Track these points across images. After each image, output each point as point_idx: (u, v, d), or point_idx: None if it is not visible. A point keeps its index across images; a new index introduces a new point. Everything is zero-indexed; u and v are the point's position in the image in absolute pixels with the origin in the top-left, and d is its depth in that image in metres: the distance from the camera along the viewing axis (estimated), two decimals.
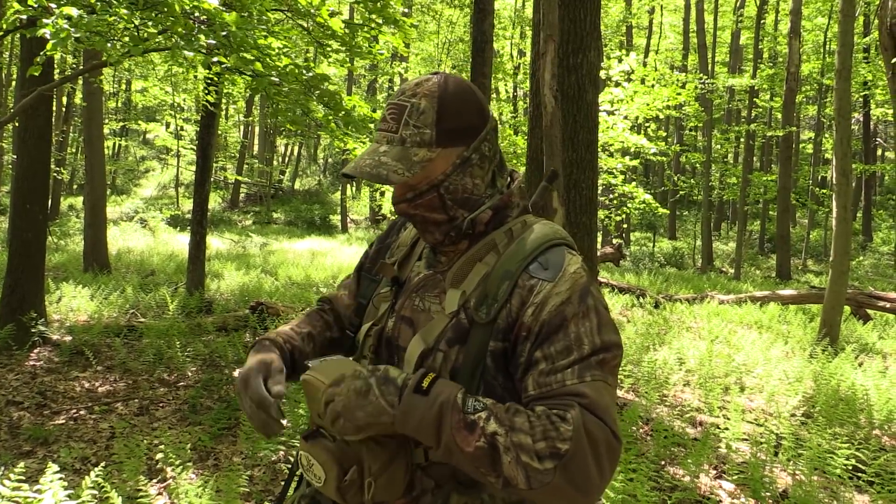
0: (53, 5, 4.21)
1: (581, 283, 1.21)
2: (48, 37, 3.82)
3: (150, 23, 5.05)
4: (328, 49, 7.43)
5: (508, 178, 1.38)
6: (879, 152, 31.70)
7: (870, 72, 20.95)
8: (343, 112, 6.93)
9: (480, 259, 1.29)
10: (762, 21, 24.29)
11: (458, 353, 1.21)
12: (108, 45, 4.78)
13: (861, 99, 24.84)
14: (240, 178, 28.97)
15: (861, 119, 26.17)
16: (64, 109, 22.33)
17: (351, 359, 1.34)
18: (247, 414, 1.26)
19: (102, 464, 3.69)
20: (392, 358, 1.32)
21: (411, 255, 1.43)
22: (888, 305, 10.19)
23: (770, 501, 3.88)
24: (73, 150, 28.08)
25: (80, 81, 15.52)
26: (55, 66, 7.55)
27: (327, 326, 1.54)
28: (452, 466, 1.17)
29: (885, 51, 9.87)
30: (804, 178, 25.98)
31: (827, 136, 23.65)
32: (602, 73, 11.03)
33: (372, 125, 7.55)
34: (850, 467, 4.19)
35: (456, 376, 1.20)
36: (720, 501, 3.90)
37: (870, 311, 10.48)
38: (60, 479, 3.02)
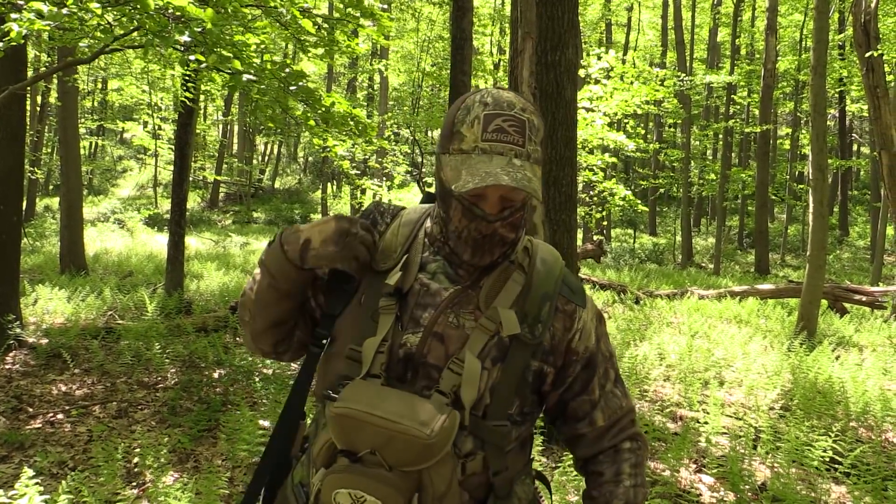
0: (21, 1, 4.14)
1: (594, 302, 1.37)
2: (15, 29, 3.75)
3: (123, 18, 4.98)
4: (307, 44, 7.38)
5: None
6: (855, 148, 32.10)
7: (845, 68, 21.20)
8: (322, 109, 6.89)
9: (509, 276, 1.30)
10: (739, 18, 24.49)
11: (499, 370, 1.23)
12: (81, 41, 4.71)
13: (837, 95, 25.14)
14: (219, 177, 28.74)
15: (837, 115, 26.47)
16: (38, 109, 22.04)
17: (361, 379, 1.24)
18: (354, 257, 1.28)
19: (80, 468, 3.65)
20: (411, 376, 1.24)
21: (409, 262, 1.33)
22: (864, 299, 10.33)
23: (749, 494, 3.91)
24: (49, 150, 27.72)
25: (55, 80, 15.32)
26: (28, 64, 7.44)
27: None
28: (486, 477, 1.25)
29: (860, 47, 9.99)
30: (782, 173, 26.26)
31: (804, 131, 23.91)
32: (581, 71, 11.06)
33: (352, 122, 7.52)
34: (828, 459, 4.23)
35: (495, 392, 1.23)
36: (700, 495, 3.93)
37: (846, 305, 10.62)
38: (36, 484, 2.98)
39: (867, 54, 9.65)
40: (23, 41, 4.01)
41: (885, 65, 12.49)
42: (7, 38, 3.83)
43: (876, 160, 13.30)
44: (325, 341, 1.35)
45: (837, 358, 7.06)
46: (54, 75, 13.23)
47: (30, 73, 9.79)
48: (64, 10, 4.04)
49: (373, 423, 1.13)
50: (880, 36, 10.71)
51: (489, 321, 1.24)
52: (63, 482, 3.07)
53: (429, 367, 1.23)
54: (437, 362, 1.23)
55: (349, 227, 1.28)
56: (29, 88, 6.87)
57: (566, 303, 1.31)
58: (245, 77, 5.68)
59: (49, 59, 17.21)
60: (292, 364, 6.47)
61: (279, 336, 1.39)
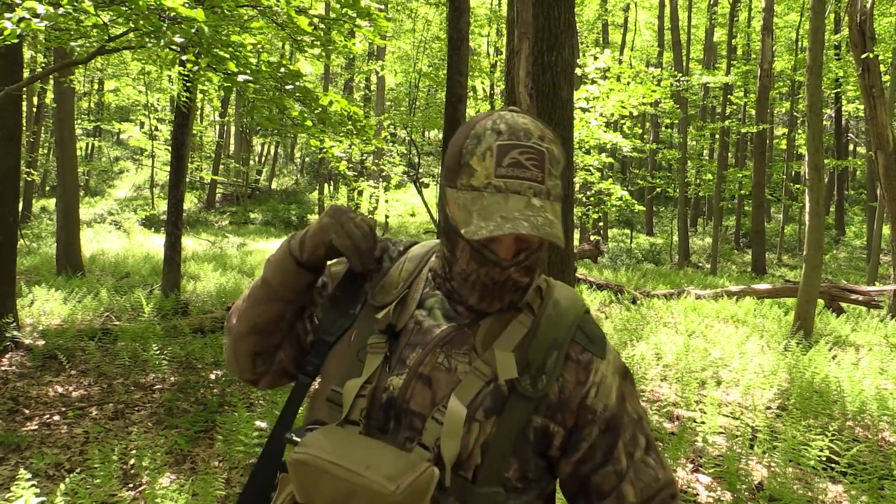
0: (17, 0, 4.13)
1: (618, 354, 1.19)
2: (8, 27, 3.74)
3: (119, 19, 4.98)
4: (303, 44, 7.38)
5: None
6: (851, 147, 32.16)
7: (841, 68, 21.23)
8: (319, 109, 6.88)
9: (514, 317, 1.13)
10: (735, 18, 24.53)
11: (494, 424, 1.05)
12: (76, 42, 4.70)
13: (833, 95, 25.17)
14: (216, 178, 28.72)
15: (833, 115, 26.52)
16: (35, 110, 22.00)
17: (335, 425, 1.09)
18: (347, 234, 1.17)
19: (76, 469, 3.64)
20: (394, 425, 1.09)
21: (407, 299, 1.19)
22: (861, 298, 10.35)
23: (746, 494, 3.92)
24: (45, 152, 27.66)
25: (51, 81, 15.30)
26: (24, 65, 7.43)
27: None
28: None
29: (856, 47, 10.02)
30: (778, 173, 26.30)
31: (800, 131, 23.96)
32: (577, 71, 11.08)
33: (350, 122, 7.51)
34: (824, 458, 4.24)
35: (488, 451, 1.05)
36: (697, 495, 3.93)
37: (843, 304, 10.64)
38: (33, 486, 2.97)
39: (863, 55, 9.68)
40: (17, 41, 4.01)
41: (881, 65, 12.51)
42: (2, 38, 3.83)
43: (872, 160, 13.32)
44: (311, 370, 1.22)
45: (834, 357, 7.07)
46: (50, 76, 13.22)
47: (26, 74, 9.77)
48: (59, 10, 4.04)
49: (332, 472, 0.99)
50: (876, 36, 10.74)
51: (485, 365, 1.07)
52: (60, 484, 3.07)
53: (412, 415, 1.07)
54: (422, 410, 1.07)
55: (344, 213, 1.19)
56: (25, 89, 6.86)
57: (581, 352, 1.12)
58: (241, 77, 5.68)
59: (45, 59, 17.18)
60: None
61: (260, 346, 1.25)
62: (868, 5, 9.99)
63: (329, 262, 1.27)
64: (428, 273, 1.22)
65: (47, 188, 29.00)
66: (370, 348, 1.13)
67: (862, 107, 12.57)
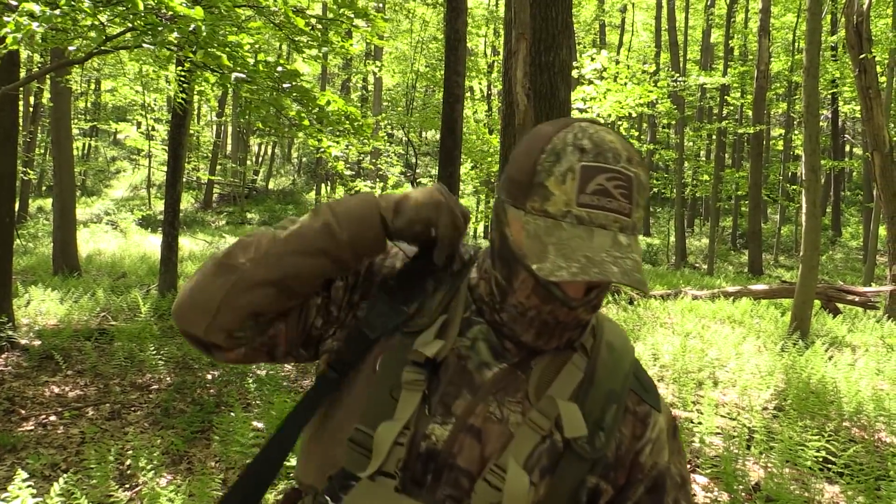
0: (14, 2, 4.12)
1: (668, 407, 1.08)
2: (8, 32, 3.74)
3: (116, 19, 4.97)
4: (300, 44, 7.38)
5: None
6: (848, 149, 32.24)
7: (837, 69, 21.29)
8: (317, 108, 6.88)
9: (569, 359, 1.00)
10: (732, 19, 24.57)
11: (547, 485, 0.93)
12: (73, 42, 4.70)
13: (830, 96, 25.24)
14: (213, 178, 28.70)
15: (830, 116, 26.58)
16: (31, 109, 21.96)
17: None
18: (454, 222, 1.02)
19: (72, 470, 3.63)
20: (432, 479, 0.94)
21: (447, 327, 1.01)
22: (857, 299, 10.37)
23: (743, 494, 3.92)
24: (42, 151, 27.61)
25: (48, 81, 15.28)
26: (21, 64, 7.41)
27: None
28: None
29: (852, 48, 10.04)
30: (775, 174, 26.36)
31: (797, 132, 24.01)
32: (574, 72, 11.08)
33: (348, 122, 7.51)
34: (821, 459, 4.25)
35: None
36: (694, 495, 3.94)
37: (839, 305, 10.66)
38: (29, 486, 2.97)
39: (860, 56, 9.70)
40: (17, 47, 4.00)
41: (877, 66, 12.55)
42: (2, 45, 3.82)
43: (868, 161, 13.36)
44: (342, 367, 1.03)
45: (830, 358, 7.08)
46: (47, 76, 13.20)
47: (22, 74, 9.74)
48: (56, 11, 4.03)
49: None
50: (872, 38, 10.77)
51: (542, 417, 0.94)
52: (55, 484, 3.06)
53: (457, 472, 0.93)
54: (469, 467, 0.93)
55: (441, 196, 1.01)
56: (21, 89, 6.84)
57: (638, 403, 1.02)
58: (235, 76, 5.68)
59: (42, 59, 17.14)
60: (286, 366, 6.46)
61: (269, 306, 1.00)
62: (865, 7, 10.02)
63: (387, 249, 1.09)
64: (467, 292, 1.04)
65: (44, 188, 28.96)
66: (406, 385, 0.95)
67: (858, 108, 12.61)
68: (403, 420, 0.93)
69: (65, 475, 3.22)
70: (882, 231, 12.68)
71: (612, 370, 1.01)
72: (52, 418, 4.92)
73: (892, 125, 17.87)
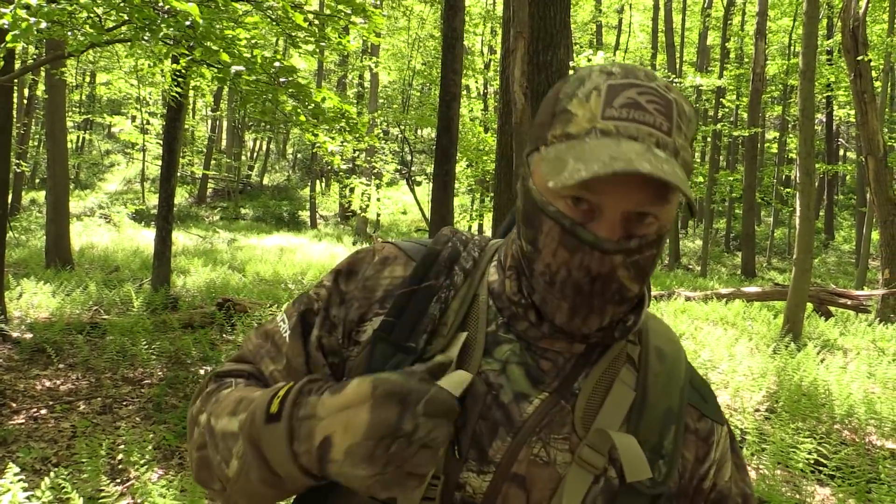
0: None
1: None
2: (7, 27, 3.72)
3: (112, 12, 4.95)
4: (297, 39, 7.37)
5: None
6: (841, 152, 32.36)
7: (833, 73, 21.36)
8: (312, 104, 6.87)
9: (616, 375, 0.84)
10: (729, 22, 24.63)
11: None
12: (70, 34, 4.67)
13: (825, 100, 25.33)
14: (207, 172, 28.63)
15: (824, 120, 26.68)
16: (25, 101, 21.86)
17: None
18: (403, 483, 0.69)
19: (63, 464, 3.62)
20: None
21: (468, 348, 0.83)
22: (849, 302, 10.42)
23: None
24: (35, 144, 27.49)
25: (42, 73, 15.21)
26: (16, 56, 7.37)
27: None
28: None
29: (848, 52, 10.08)
30: (769, 177, 26.43)
31: (791, 135, 24.07)
32: (571, 72, 11.08)
33: (343, 119, 7.50)
34: (812, 461, 4.26)
35: None
36: None
37: (831, 308, 10.70)
38: (20, 479, 2.95)
39: (856, 60, 9.73)
40: (17, 44, 3.98)
41: (873, 71, 12.59)
42: (3, 45, 3.80)
43: (862, 165, 13.41)
44: None
45: (822, 361, 7.11)
46: (41, 68, 13.13)
47: (16, 65, 9.69)
48: (53, 5, 4.01)
49: None
50: (868, 42, 10.81)
51: (594, 453, 0.79)
52: (46, 478, 3.05)
53: None
54: None
55: (397, 420, 0.67)
56: (16, 81, 6.80)
57: (699, 419, 0.88)
58: (234, 68, 5.66)
59: (37, 51, 17.05)
60: None
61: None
62: (861, 11, 10.05)
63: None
64: (488, 298, 0.87)
65: (37, 180, 28.83)
66: None
67: (853, 112, 12.65)
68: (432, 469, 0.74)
69: (56, 469, 3.20)
70: (875, 235, 12.74)
71: (666, 384, 0.85)
72: (44, 412, 4.90)
73: (886, 130, 17.94)
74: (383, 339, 0.84)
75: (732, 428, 4.33)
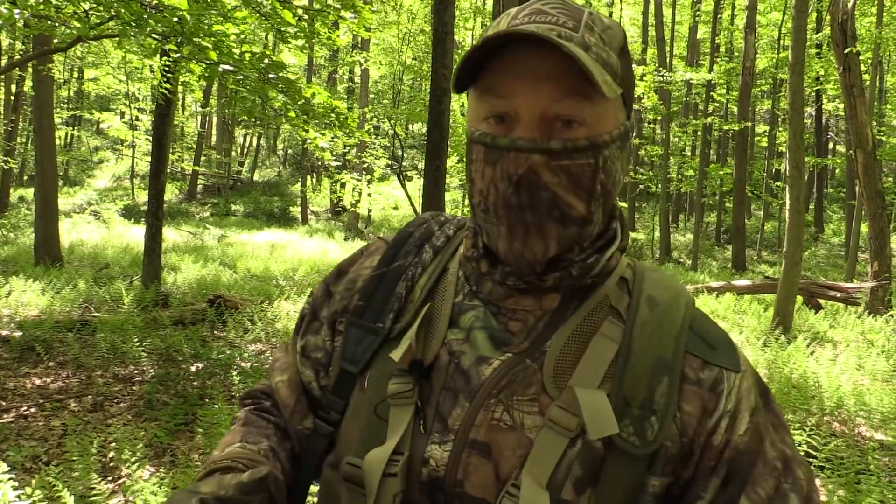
0: None
1: (753, 368, 0.82)
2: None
3: (99, 7, 4.91)
4: (287, 35, 7.34)
5: None
6: (831, 146, 32.51)
7: (822, 67, 21.44)
8: (302, 100, 6.85)
9: (595, 331, 0.78)
10: (719, 16, 24.69)
11: (591, 499, 0.71)
12: (56, 30, 4.64)
13: (814, 94, 25.42)
14: (197, 169, 28.51)
15: (814, 113, 26.78)
16: (13, 98, 21.69)
17: None
18: None
19: (54, 462, 3.60)
20: None
21: (433, 317, 0.82)
22: (839, 295, 10.47)
23: None
24: (23, 140, 27.30)
25: (30, 69, 15.08)
26: (2, 52, 7.32)
27: (285, 437, 0.91)
28: None
29: (837, 46, 10.11)
30: (759, 170, 26.53)
31: (781, 129, 24.16)
32: None
33: (333, 115, 7.48)
34: (802, 453, 4.28)
35: None
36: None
37: (821, 301, 10.76)
38: (10, 478, 2.94)
39: (845, 53, 9.77)
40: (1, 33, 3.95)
41: (861, 64, 12.65)
42: None
43: (851, 158, 13.49)
44: (332, 416, 0.87)
45: (812, 353, 7.15)
46: (28, 64, 13.02)
47: (3, 61, 9.61)
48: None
49: None
50: (857, 35, 10.85)
51: (566, 414, 0.73)
52: (37, 476, 3.03)
53: (470, 503, 0.74)
54: (484, 493, 0.73)
55: None
56: (3, 77, 6.76)
57: (702, 367, 0.77)
58: (222, 67, 5.64)
59: (24, 46, 16.92)
60: (271, 358, 6.44)
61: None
62: (850, 5, 10.08)
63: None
64: (459, 271, 0.86)
65: (25, 177, 28.64)
66: (393, 399, 0.78)
67: (842, 105, 12.72)
68: (393, 443, 0.76)
69: (46, 467, 3.18)
70: (864, 228, 12.81)
71: (655, 332, 0.76)
72: (33, 410, 4.87)
73: (875, 123, 18.04)
74: (354, 323, 0.86)
75: None
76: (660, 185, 22.59)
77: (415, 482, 0.75)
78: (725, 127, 22.17)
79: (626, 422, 0.72)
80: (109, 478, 3.76)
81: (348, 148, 18.44)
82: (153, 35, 5.30)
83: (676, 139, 24.93)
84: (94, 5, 5.15)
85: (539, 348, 0.77)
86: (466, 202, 22.80)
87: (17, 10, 3.73)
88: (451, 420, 0.76)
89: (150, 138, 11.74)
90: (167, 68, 7.96)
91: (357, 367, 0.84)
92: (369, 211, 25.89)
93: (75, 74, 31.71)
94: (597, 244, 0.80)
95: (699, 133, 24.73)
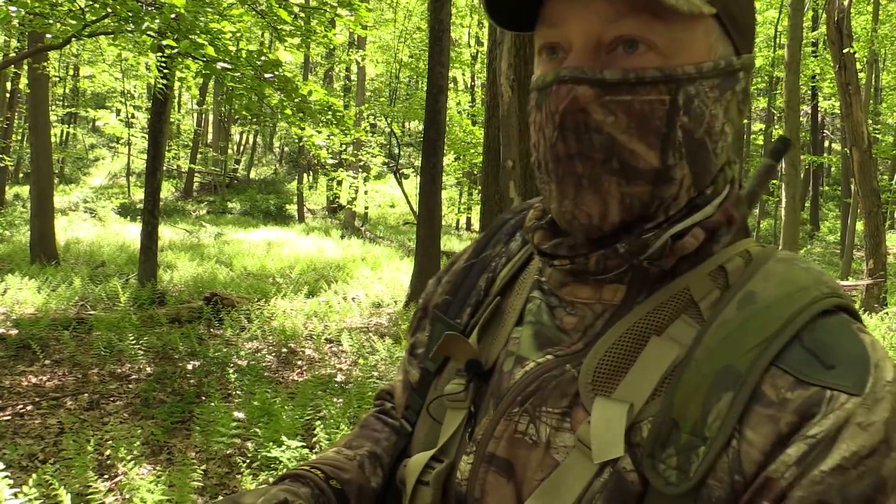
0: None
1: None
2: None
3: (95, 5, 4.90)
4: (283, 33, 7.33)
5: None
6: (826, 144, 32.59)
7: (818, 65, 21.49)
8: (299, 98, 6.85)
9: (660, 331, 0.60)
10: None
11: None
12: (51, 25, 4.63)
13: (810, 91, 25.47)
14: (193, 166, 28.46)
15: (809, 111, 26.85)
16: (8, 95, 21.64)
17: None
18: None
19: (51, 460, 3.60)
20: None
21: (504, 311, 0.73)
22: None
23: None
24: (19, 138, 27.23)
25: (25, 67, 15.04)
26: None
27: (400, 439, 0.83)
28: None
29: (833, 44, 10.13)
30: (755, 168, 26.60)
31: (777, 127, 24.22)
32: None
33: (330, 113, 7.48)
34: None
35: None
36: None
37: None
38: (6, 476, 2.93)
39: (841, 52, 9.79)
40: None
41: (857, 62, 12.68)
42: None
43: (847, 156, 13.52)
44: (412, 416, 0.80)
45: None
46: (24, 62, 12.99)
47: None
48: None
49: None
50: (853, 34, 10.88)
51: None
52: (33, 475, 3.03)
53: None
54: None
55: None
56: None
57: (792, 386, 0.53)
58: (220, 65, 5.64)
59: (19, 44, 16.88)
60: (268, 356, 6.44)
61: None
62: (846, 3, 10.10)
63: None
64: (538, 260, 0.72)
65: (21, 175, 28.56)
66: (448, 401, 0.70)
67: (837, 104, 12.75)
68: (435, 448, 0.69)
69: (43, 466, 3.18)
70: (860, 226, 12.85)
71: (734, 335, 0.56)
72: (30, 408, 4.86)
73: (871, 121, 18.09)
74: (438, 318, 0.79)
75: None
76: None
77: (451, 494, 0.67)
78: None
79: (669, 451, 0.54)
80: (106, 476, 3.76)
81: (345, 146, 18.43)
82: (149, 32, 5.29)
83: None
84: (90, 2, 5.13)
85: (585, 348, 0.63)
86: (462, 200, 22.80)
87: (12, 8, 3.73)
88: (477, 429, 0.66)
89: (146, 136, 11.73)
90: (163, 65, 7.95)
91: (434, 366, 0.77)
92: (366, 208, 25.88)
93: (71, 71, 31.62)
94: (676, 216, 0.62)
95: None
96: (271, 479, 0.97)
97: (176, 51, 5.69)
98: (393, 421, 0.87)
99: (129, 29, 4.83)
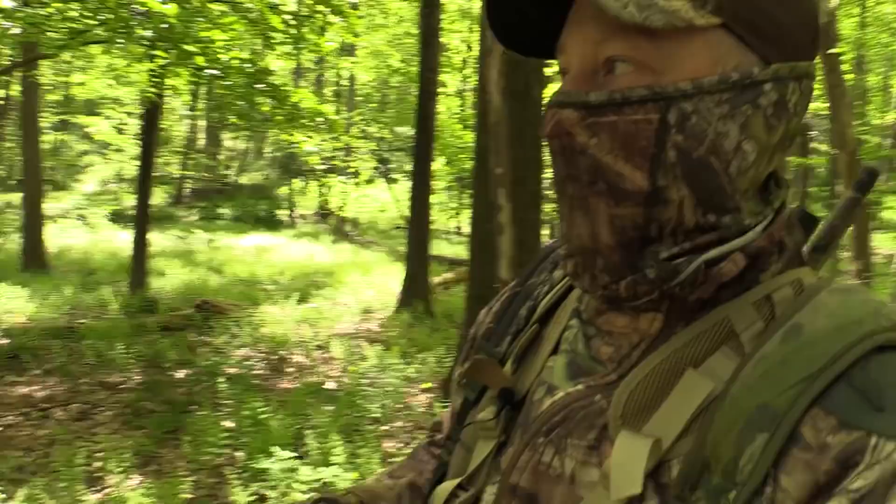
0: None
1: None
2: None
3: (87, 14, 4.91)
4: (274, 41, 7.34)
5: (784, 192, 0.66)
6: (813, 145, 32.77)
7: None
8: (290, 105, 6.86)
9: (697, 363, 0.56)
10: None
11: None
12: (45, 36, 4.63)
13: None
14: (185, 173, 28.41)
15: None
16: (1, 103, 21.57)
17: None
18: None
19: (40, 472, 3.59)
20: None
21: (542, 339, 0.71)
22: None
23: None
24: (10, 145, 27.12)
25: (16, 75, 15.00)
26: None
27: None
28: None
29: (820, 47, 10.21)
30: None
31: None
32: (549, 70, 11.13)
33: (319, 119, 7.49)
34: None
35: None
36: None
37: None
38: None
39: (829, 52, 9.87)
40: None
41: (844, 65, 12.77)
42: None
43: (833, 158, 13.61)
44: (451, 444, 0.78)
45: None
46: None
47: None
48: (28, 9, 3.98)
49: None
50: (839, 36, 10.97)
51: None
52: (23, 488, 3.02)
53: None
54: None
55: None
56: None
57: (835, 429, 0.48)
58: (209, 73, 5.64)
59: (12, 52, 16.82)
60: (258, 364, 6.44)
61: None
62: (833, 6, 10.18)
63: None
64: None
65: (12, 182, 28.43)
66: (480, 428, 0.69)
67: (824, 106, 12.85)
68: (461, 476, 0.68)
69: (32, 478, 3.18)
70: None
71: (773, 370, 0.51)
72: (19, 419, 4.85)
73: (857, 123, 18.20)
74: (481, 347, 0.77)
75: None
76: None
77: None
78: None
79: (699, 494, 0.51)
80: (96, 487, 3.76)
81: (335, 151, 18.44)
82: (140, 42, 5.29)
83: None
84: (82, 11, 5.13)
85: (619, 378, 0.60)
86: (451, 203, 22.80)
87: (9, 23, 3.73)
88: (503, 458, 0.65)
89: (139, 143, 11.71)
90: (154, 74, 7.95)
91: (473, 394, 0.74)
92: (356, 214, 25.86)
93: (63, 78, 31.53)
94: (696, 238, 0.58)
95: None
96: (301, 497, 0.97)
97: (167, 60, 5.70)
98: (438, 451, 0.84)
99: (121, 39, 4.84)
